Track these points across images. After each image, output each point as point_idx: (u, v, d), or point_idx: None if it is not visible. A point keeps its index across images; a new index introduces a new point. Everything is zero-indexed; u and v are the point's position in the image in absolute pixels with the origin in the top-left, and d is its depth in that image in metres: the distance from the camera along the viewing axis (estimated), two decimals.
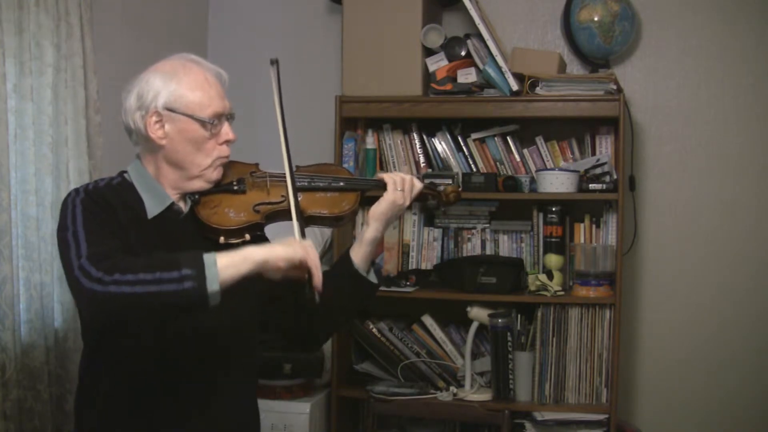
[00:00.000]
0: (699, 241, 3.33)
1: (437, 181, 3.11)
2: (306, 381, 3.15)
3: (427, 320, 3.25)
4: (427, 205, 2.05)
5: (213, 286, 1.50)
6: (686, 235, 3.34)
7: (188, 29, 3.64)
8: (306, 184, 1.86)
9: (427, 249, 3.30)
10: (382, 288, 3.11)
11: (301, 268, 1.61)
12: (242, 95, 3.30)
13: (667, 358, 3.35)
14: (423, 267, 3.29)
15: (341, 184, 1.88)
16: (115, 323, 1.60)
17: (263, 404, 3.00)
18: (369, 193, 1.93)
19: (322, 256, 3.27)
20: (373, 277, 1.93)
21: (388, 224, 1.91)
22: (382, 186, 1.90)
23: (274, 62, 1.83)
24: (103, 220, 1.64)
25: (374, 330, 3.24)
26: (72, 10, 2.62)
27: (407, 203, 1.90)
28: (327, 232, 3.32)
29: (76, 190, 1.70)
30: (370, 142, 3.29)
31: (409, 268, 3.29)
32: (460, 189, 2.09)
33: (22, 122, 2.51)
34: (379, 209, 1.88)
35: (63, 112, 2.62)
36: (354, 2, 3.21)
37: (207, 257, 1.53)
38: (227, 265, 1.54)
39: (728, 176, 3.30)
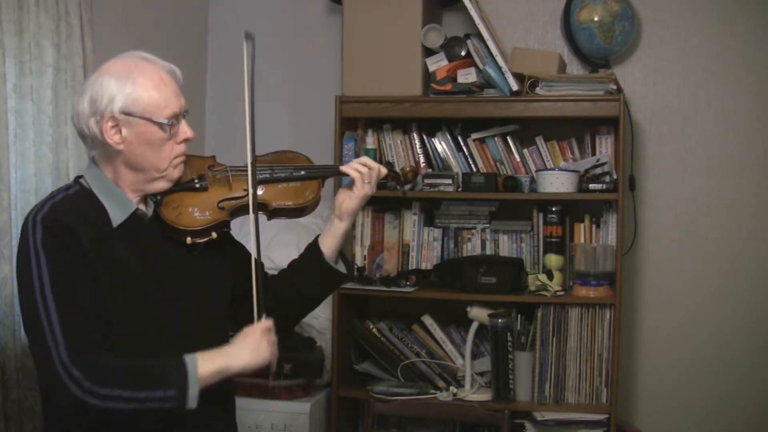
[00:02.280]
0: (699, 241, 3.33)
1: (438, 181, 3.13)
2: (306, 381, 3.15)
3: (427, 320, 3.25)
4: (387, 186, 2.05)
5: (192, 404, 1.58)
6: (686, 235, 3.34)
7: (188, 29, 3.64)
8: (268, 176, 1.83)
9: (427, 249, 3.30)
10: (382, 288, 3.15)
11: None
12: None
13: (667, 358, 3.35)
14: (423, 267, 3.29)
15: (302, 173, 1.86)
16: None
17: (263, 404, 3.05)
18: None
19: None
20: (342, 267, 1.94)
21: (357, 214, 1.96)
22: (343, 174, 1.91)
23: (250, 36, 1.73)
24: (70, 265, 1.59)
25: (374, 330, 3.24)
26: (72, 10, 2.62)
27: (374, 191, 1.93)
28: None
29: (34, 222, 1.60)
30: (370, 142, 3.29)
31: (409, 268, 3.29)
32: (417, 168, 2.12)
33: (22, 122, 2.51)
34: (352, 205, 1.90)
35: (63, 112, 2.62)
36: (354, 2, 3.21)
37: (191, 371, 1.58)
38: (207, 376, 1.61)
39: (728, 176, 3.30)
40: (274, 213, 1.85)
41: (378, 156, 3.30)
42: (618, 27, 3.17)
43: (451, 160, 3.26)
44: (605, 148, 3.15)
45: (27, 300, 1.59)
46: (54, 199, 1.68)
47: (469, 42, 3.17)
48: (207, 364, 1.61)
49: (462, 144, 3.25)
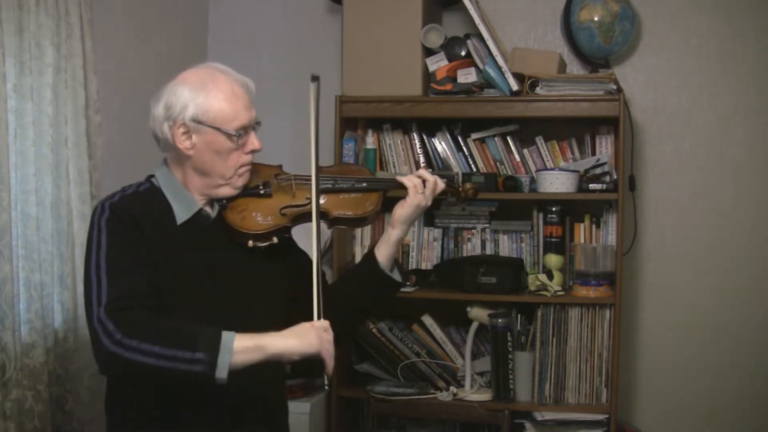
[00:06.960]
0: (699, 241, 3.33)
1: None
2: (306, 381, 3.15)
3: (427, 320, 3.25)
4: (447, 201, 2.13)
5: (221, 374, 1.57)
6: (686, 235, 3.34)
7: (188, 29, 3.64)
8: (330, 186, 1.90)
9: (427, 249, 3.30)
10: None
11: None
12: None
13: (667, 358, 3.35)
14: (423, 267, 3.29)
15: (364, 184, 1.93)
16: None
17: None
18: (389, 193, 1.99)
19: (323, 256, 3.27)
20: (397, 276, 2.00)
21: (412, 224, 2.02)
22: (402, 186, 1.96)
23: (316, 79, 1.83)
24: (128, 243, 1.68)
25: (374, 330, 3.24)
26: (72, 10, 2.62)
27: (429, 203, 1.99)
28: (328, 231, 3.32)
29: (102, 206, 1.73)
30: (370, 142, 3.29)
31: (409, 268, 3.29)
32: (477, 187, 2.19)
33: (22, 122, 2.51)
34: (404, 213, 1.96)
35: (63, 112, 2.62)
36: (354, 2, 3.21)
37: (225, 340, 1.58)
38: (242, 350, 1.59)
39: (728, 176, 3.30)
40: (334, 221, 1.92)
41: (378, 156, 3.31)
42: (618, 27, 3.17)
43: (451, 160, 3.26)
44: (605, 148, 3.16)
45: (86, 268, 1.67)
46: (125, 192, 1.79)
47: (469, 42, 3.17)
48: (244, 338, 1.61)
49: (462, 144, 3.25)
